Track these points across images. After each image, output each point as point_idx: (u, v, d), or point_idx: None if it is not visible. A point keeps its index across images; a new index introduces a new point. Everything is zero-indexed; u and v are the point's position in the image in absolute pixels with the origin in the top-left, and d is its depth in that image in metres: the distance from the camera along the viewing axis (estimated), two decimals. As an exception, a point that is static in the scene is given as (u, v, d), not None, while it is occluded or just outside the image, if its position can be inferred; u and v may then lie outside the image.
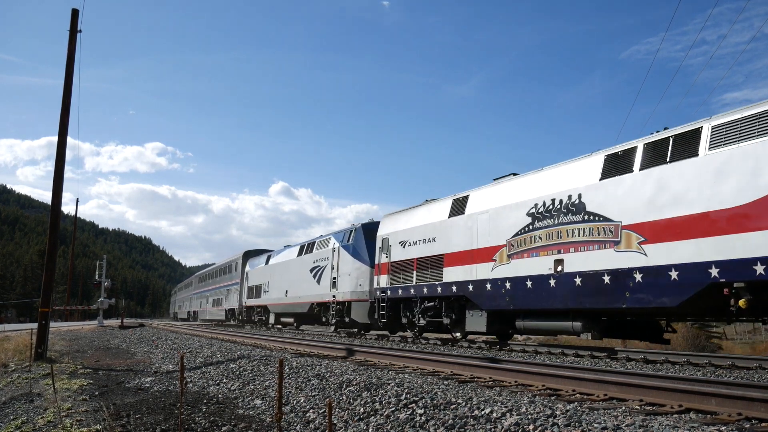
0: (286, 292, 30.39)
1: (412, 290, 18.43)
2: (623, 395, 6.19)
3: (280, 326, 33.79)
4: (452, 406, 5.49)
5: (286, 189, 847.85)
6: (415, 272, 18.33)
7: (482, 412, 5.18)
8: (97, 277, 44.10)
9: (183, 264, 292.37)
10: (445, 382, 7.60)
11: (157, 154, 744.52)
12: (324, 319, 25.68)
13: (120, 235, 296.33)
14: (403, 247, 19.22)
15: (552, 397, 6.32)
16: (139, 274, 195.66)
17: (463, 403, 5.54)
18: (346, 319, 23.57)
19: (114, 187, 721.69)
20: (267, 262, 35.46)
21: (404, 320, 19.25)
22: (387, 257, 20.03)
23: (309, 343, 15.15)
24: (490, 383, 7.50)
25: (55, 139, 15.30)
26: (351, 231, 23.86)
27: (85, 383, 9.29)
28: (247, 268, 39.99)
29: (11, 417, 7.46)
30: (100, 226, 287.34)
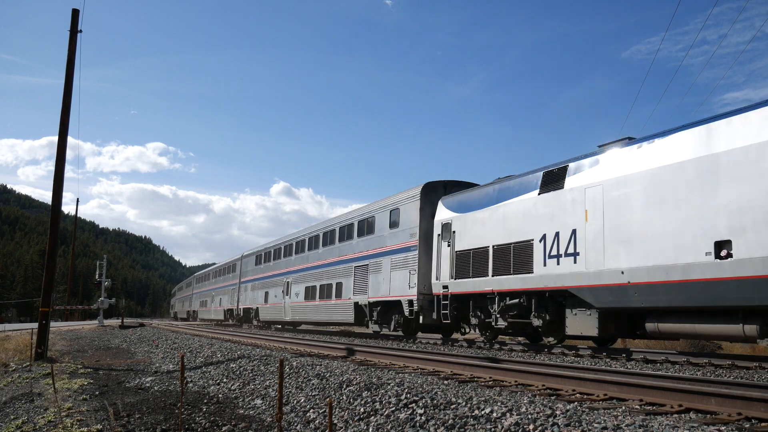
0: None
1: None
2: (623, 395, 6.19)
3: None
4: (452, 406, 5.49)
5: (287, 189, 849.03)
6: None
7: (482, 412, 5.18)
8: (97, 276, 44.12)
9: (183, 264, 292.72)
10: (445, 381, 7.60)
11: (159, 154, 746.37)
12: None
13: (120, 234, 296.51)
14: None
15: (552, 397, 6.32)
16: (139, 274, 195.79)
17: (463, 403, 5.55)
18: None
19: (115, 187, 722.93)
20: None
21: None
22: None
23: (309, 343, 15.16)
24: (490, 383, 7.50)
25: (56, 138, 15.33)
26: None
27: (86, 383, 9.29)
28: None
29: (12, 417, 7.47)
30: (100, 226, 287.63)
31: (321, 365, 9.07)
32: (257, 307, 35.36)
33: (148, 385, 9.07)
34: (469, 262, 16.35)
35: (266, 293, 33.66)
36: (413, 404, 5.73)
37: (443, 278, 17.24)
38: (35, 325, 15.24)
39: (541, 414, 4.97)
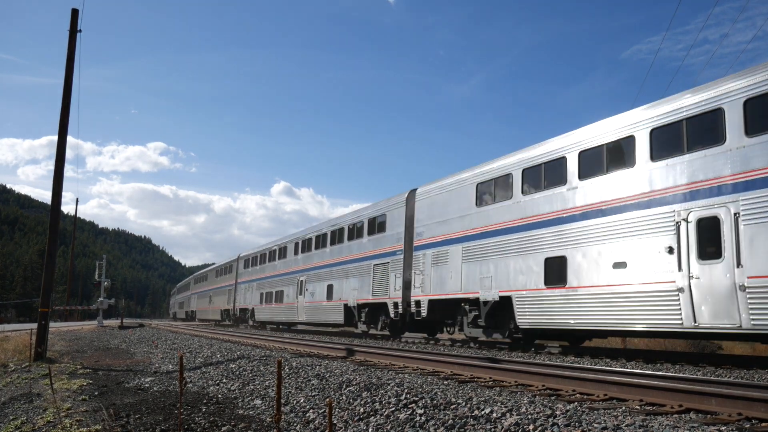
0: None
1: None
2: (623, 395, 6.18)
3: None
4: (452, 406, 5.48)
5: (287, 189, 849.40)
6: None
7: (482, 412, 5.17)
8: (96, 277, 44.06)
9: (183, 264, 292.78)
10: (445, 382, 7.59)
11: (160, 154, 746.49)
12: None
13: (120, 234, 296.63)
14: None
15: (552, 397, 6.32)
16: (139, 274, 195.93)
17: (463, 403, 5.54)
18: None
19: (115, 187, 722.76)
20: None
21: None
22: None
23: (309, 343, 15.15)
24: (490, 383, 7.50)
25: (56, 138, 15.32)
26: None
27: (85, 383, 9.28)
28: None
29: (11, 417, 7.46)
30: (100, 226, 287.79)
31: (321, 365, 9.07)
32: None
33: (147, 385, 9.05)
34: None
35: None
36: (413, 404, 5.72)
37: None
38: (34, 325, 15.22)
39: (541, 414, 4.96)
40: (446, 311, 17.58)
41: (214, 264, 57.95)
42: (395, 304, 19.39)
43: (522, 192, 14.38)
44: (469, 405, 5.47)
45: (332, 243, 25.30)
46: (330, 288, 24.58)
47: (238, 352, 12.39)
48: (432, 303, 17.56)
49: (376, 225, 21.61)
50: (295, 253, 29.96)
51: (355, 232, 23.37)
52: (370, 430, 5.36)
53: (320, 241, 26.81)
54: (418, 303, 18.11)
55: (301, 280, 28.25)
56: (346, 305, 22.93)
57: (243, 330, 31.35)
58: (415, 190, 19.55)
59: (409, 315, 18.81)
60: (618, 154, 12.14)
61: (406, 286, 18.98)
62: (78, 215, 60.80)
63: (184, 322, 55.94)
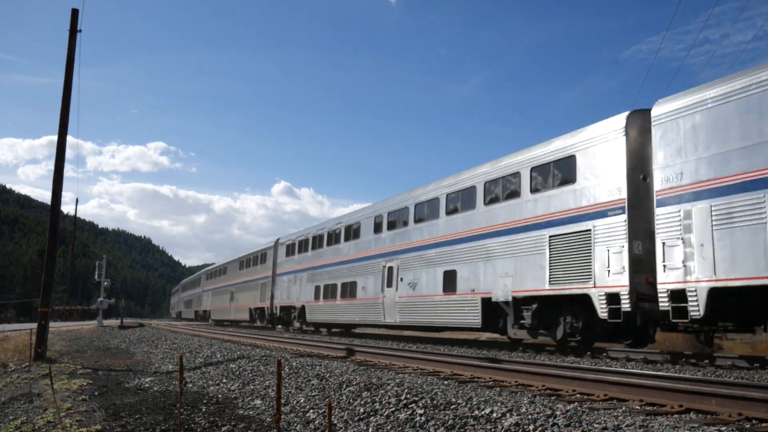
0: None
1: None
2: (624, 395, 6.18)
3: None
4: (452, 406, 5.48)
5: (288, 189, 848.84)
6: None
7: (482, 413, 5.17)
8: (96, 277, 44.11)
9: (183, 264, 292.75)
10: (445, 382, 7.59)
11: (160, 154, 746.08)
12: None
13: (120, 234, 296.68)
14: None
15: (552, 397, 6.32)
16: (139, 274, 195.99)
17: (463, 404, 5.54)
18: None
19: (115, 187, 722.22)
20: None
21: None
22: None
23: (309, 343, 15.16)
24: (491, 383, 7.49)
25: (56, 137, 15.32)
26: None
27: (85, 383, 9.28)
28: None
29: (11, 417, 7.46)
30: (100, 226, 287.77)
31: (321, 365, 9.07)
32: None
33: (147, 385, 9.05)
34: None
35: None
36: (413, 404, 5.72)
37: None
38: (34, 325, 15.23)
39: (541, 414, 4.96)
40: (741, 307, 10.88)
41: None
42: (611, 297, 12.02)
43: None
44: (469, 405, 5.46)
45: (450, 212, 17.61)
46: (450, 275, 16.95)
47: (238, 352, 12.39)
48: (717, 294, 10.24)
49: (553, 174, 14.09)
50: (376, 231, 21.93)
51: (502, 189, 15.65)
52: (370, 430, 5.36)
53: (428, 209, 18.90)
54: (677, 294, 10.74)
55: (390, 267, 20.41)
56: (487, 300, 15.36)
57: (291, 335, 23.52)
58: (645, 110, 12.50)
59: (642, 314, 11.78)
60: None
61: (637, 264, 11.86)
62: (78, 215, 60.88)
63: (186, 323, 54.84)
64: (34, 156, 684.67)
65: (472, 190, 16.73)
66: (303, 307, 27.58)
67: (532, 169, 14.60)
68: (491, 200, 15.90)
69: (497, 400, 5.77)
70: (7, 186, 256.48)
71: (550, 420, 4.78)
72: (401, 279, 19.57)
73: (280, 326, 31.70)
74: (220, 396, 7.84)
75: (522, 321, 14.34)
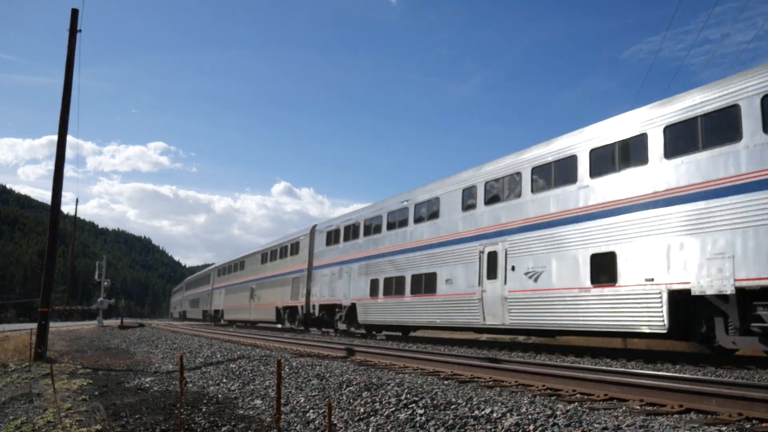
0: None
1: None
2: (624, 395, 6.18)
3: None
4: (452, 406, 5.48)
5: (288, 189, 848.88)
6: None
7: (482, 413, 5.17)
8: (96, 277, 44.10)
9: (183, 264, 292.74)
10: (446, 382, 7.60)
11: (160, 154, 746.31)
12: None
13: (120, 234, 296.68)
14: None
15: (552, 397, 6.32)
16: (139, 274, 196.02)
17: (464, 404, 5.54)
18: None
19: (115, 187, 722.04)
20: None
21: None
22: None
23: (309, 343, 15.16)
24: (491, 383, 7.50)
25: (56, 137, 15.33)
26: None
27: (85, 383, 9.28)
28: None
29: (11, 417, 7.46)
30: (100, 226, 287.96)
31: (321, 365, 9.07)
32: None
33: (147, 385, 9.05)
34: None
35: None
36: (413, 404, 5.72)
37: None
38: (34, 325, 15.23)
39: (541, 414, 4.96)
40: None
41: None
42: None
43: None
44: (469, 405, 5.47)
45: (601, 171, 12.62)
46: (602, 260, 12.30)
47: (238, 352, 12.39)
48: None
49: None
50: (467, 207, 17.07)
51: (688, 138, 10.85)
52: (370, 430, 5.36)
53: (556, 171, 13.91)
54: None
55: (491, 251, 15.59)
56: (677, 292, 10.85)
57: (341, 339, 19.90)
58: None
59: None
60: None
61: None
62: (78, 215, 60.91)
63: (187, 323, 53.55)
64: (34, 156, 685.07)
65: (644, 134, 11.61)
66: (353, 306, 22.72)
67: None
68: (672, 153, 11.02)
69: (497, 400, 5.77)
70: (7, 186, 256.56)
71: (551, 420, 4.78)
72: (512, 267, 14.87)
73: (314, 329, 27.32)
74: (220, 396, 7.84)
75: (757, 324, 9.63)
